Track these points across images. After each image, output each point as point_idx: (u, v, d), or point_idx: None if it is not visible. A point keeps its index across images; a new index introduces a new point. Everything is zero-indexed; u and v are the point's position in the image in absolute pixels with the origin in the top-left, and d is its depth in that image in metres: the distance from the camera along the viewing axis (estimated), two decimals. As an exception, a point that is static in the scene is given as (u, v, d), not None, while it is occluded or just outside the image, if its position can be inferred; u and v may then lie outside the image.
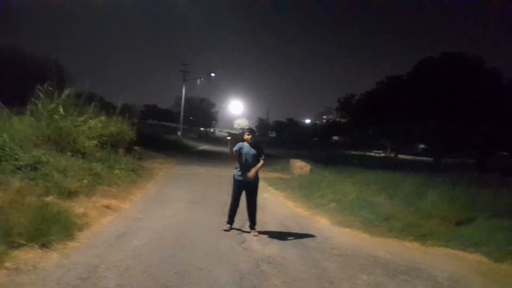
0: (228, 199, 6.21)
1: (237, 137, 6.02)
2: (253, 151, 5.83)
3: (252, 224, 5.89)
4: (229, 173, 6.04)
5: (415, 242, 6.08)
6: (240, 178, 5.85)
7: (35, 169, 6.51)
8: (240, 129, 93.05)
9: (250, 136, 5.88)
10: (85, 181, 7.31)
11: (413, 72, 30.53)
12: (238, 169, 5.90)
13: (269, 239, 5.57)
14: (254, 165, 5.80)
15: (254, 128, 6.33)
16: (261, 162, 5.87)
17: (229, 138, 5.70)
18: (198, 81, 50.99)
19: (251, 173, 5.75)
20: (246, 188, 5.88)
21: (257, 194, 5.98)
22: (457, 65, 27.11)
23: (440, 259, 5.37)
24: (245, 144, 5.89)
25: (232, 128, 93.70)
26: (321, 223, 7.07)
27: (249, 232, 5.81)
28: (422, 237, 6.25)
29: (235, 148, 5.81)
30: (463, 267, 5.03)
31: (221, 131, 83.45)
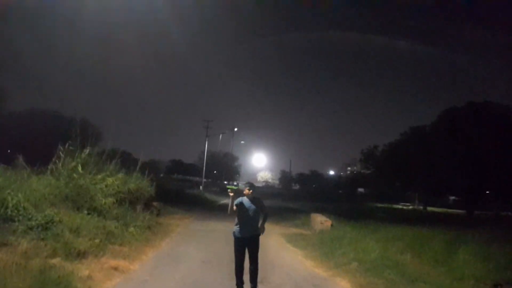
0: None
1: (239, 192, 5.85)
2: (253, 206, 5.63)
3: (253, 279, 5.55)
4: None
5: (446, 310, 5.46)
6: (240, 235, 5.62)
7: (46, 229, 6.49)
8: (263, 181, 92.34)
9: (251, 191, 5.71)
10: (97, 240, 7.21)
11: (437, 122, 30.08)
12: (237, 225, 5.67)
13: (282, 306, 5.15)
14: (254, 220, 5.62)
15: (252, 183, 6.13)
16: (265, 216, 5.78)
17: (231, 194, 5.54)
18: (220, 136, 52.18)
19: (262, 228, 5.65)
20: (247, 243, 5.62)
21: (258, 249, 5.66)
22: (483, 115, 26.54)
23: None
24: (245, 198, 5.71)
25: (256, 180, 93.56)
26: (341, 286, 6.55)
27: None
28: (454, 303, 5.62)
29: (235, 203, 5.62)
30: None
31: (244, 184, 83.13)
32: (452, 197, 42.25)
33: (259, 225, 5.68)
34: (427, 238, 10.18)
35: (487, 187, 25.86)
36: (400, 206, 40.22)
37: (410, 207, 39.70)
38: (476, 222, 17.73)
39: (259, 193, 5.99)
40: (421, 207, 38.49)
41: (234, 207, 5.60)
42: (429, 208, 36.42)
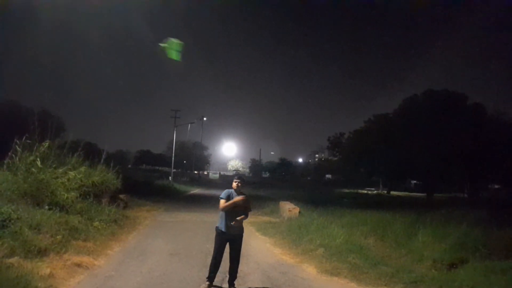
0: (212, 249, 5.69)
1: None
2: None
3: (232, 279, 5.50)
4: (217, 219, 5.72)
5: (405, 290, 5.76)
6: (224, 229, 5.43)
7: (3, 227, 6.18)
8: (234, 170, 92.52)
9: (238, 184, 5.54)
10: (58, 236, 6.96)
11: (399, 109, 31.15)
12: (222, 219, 5.50)
13: (249, 295, 5.22)
14: (240, 214, 5.45)
15: (242, 175, 6.06)
16: (247, 216, 5.57)
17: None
18: (189, 126, 51.52)
19: (236, 222, 5.37)
20: (230, 240, 5.48)
21: (241, 246, 5.58)
22: (441, 102, 27.76)
23: (431, 308, 5.05)
24: (233, 192, 5.55)
25: (226, 169, 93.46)
26: (308, 272, 6.72)
27: (229, 288, 5.45)
28: (413, 284, 5.94)
29: (224, 196, 5.48)
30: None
31: (215, 173, 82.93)
32: (413, 181, 44.20)
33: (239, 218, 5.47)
34: (389, 222, 10.61)
35: (444, 171, 27.20)
36: (365, 191, 41.60)
37: (375, 191, 41.16)
38: (435, 205, 18.67)
39: (229, 181, 5.92)
40: (385, 192, 40.04)
41: (225, 202, 5.47)
42: (392, 192, 37.95)
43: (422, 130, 26.82)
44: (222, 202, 5.46)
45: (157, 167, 71.88)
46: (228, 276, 5.56)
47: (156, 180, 37.73)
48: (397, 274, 6.39)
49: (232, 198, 5.48)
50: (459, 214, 12.03)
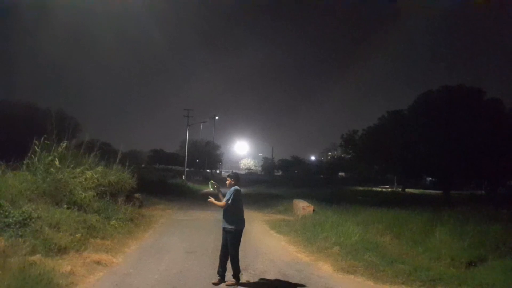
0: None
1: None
2: (228, 195, 5.67)
3: (233, 272, 5.56)
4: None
5: (423, 288, 5.69)
6: (222, 224, 5.76)
7: (24, 225, 6.35)
8: (246, 168, 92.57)
9: (228, 181, 5.82)
10: (78, 235, 7.11)
11: (413, 106, 30.67)
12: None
13: (265, 293, 5.24)
14: (228, 210, 5.63)
15: (235, 172, 6.18)
16: (223, 203, 5.65)
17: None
18: (201, 125, 51.84)
19: (210, 199, 5.71)
20: (226, 235, 5.67)
21: (233, 244, 5.59)
22: (456, 97, 27.23)
23: (451, 307, 4.98)
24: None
25: (238, 168, 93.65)
26: (323, 270, 6.70)
27: (244, 284, 5.50)
28: (431, 283, 5.86)
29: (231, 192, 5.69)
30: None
31: (227, 171, 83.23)
32: (429, 178, 43.53)
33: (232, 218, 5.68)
34: (405, 220, 10.50)
35: (461, 168, 26.71)
36: (379, 189, 41.16)
37: (389, 189, 40.69)
38: (452, 202, 18.36)
39: (243, 180, 5.99)
40: (400, 189, 39.53)
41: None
42: (407, 190, 37.46)
43: (438, 126, 26.38)
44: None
45: (170, 166, 72.45)
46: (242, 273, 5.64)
47: (170, 179, 38.10)
48: (414, 272, 6.32)
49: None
50: (477, 211, 11.84)
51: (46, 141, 9.44)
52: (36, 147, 9.18)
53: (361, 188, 38.75)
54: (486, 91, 28.50)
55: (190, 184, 38.24)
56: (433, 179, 40.81)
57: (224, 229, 5.67)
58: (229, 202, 5.60)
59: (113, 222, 9.24)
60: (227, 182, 5.79)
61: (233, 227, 5.60)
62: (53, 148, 9.76)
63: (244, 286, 5.46)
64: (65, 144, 9.85)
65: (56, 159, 9.17)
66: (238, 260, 5.60)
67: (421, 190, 36.97)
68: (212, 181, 5.81)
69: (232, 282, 5.43)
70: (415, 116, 29.08)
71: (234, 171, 6.55)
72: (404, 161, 29.44)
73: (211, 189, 5.65)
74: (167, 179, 36.23)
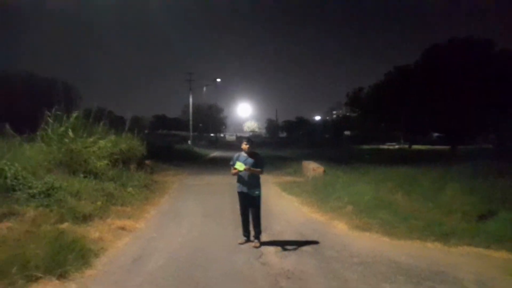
0: (241, 209, 6.09)
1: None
2: (250, 160, 5.70)
3: (256, 234, 5.77)
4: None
5: (437, 243, 5.89)
6: (239, 189, 5.81)
7: (48, 195, 6.55)
8: (250, 131, 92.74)
9: (248, 145, 5.78)
10: (99, 203, 7.35)
11: (420, 60, 30.02)
12: (237, 180, 5.84)
13: (286, 251, 5.47)
14: (251, 177, 5.67)
15: (251, 137, 6.22)
16: (259, 170, 5.71)
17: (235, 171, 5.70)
18: (204, 88, 51.41)
19: (244, 167, 5.55)
20: (246, 198, 5.78)
21: (258, 207, 5.79)
22: (465, 50, 26.55)
23: (465, 259, 5.19)
24: (242, 153, 5.80)
25: (242, 131, 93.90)
26: (339, 228, 6.93)
27: (266, 243, 5.74)
28: (444, 237, 6.06)
29: (233, 162, 5.76)
30: (489, 267, 4.85)
31: (231, 135, 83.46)
32: (435, 134, 43.49)
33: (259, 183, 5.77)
34: (415, 177, 10.64)
35: (470, 122, 26.57)
36: (386, 147, 41.38)
37: (396, 146, 40.91)
38: (460, 157, 18.51)
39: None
40: (406, 146, 39.69)
41: (233, 169, 5.73)
42: (414, 146, 37.62)
43: (446, 80, 25.95)
44: (232, 169, 5.77)
45: (174, 131, 72.72)
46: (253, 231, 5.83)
47: (176, 144, 38.40)
48: (428, 227, 6.52)
49: (239, 160, 5.71)
50: (486, 166, 11.95)
51: (58, 112, 9.46)
52: (48, 118, 9.22)
53: (367, 147, 38.96)
54: (496, 42, 27.70)
55: (196, 148, 38.57)
56: (440, 135, 40.79)
57: (247, 194, 5.72)
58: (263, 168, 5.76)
59: (129, 189, 9.48)
60: (244, 146, 5.80)
61: (259, 191, 5.74)
62: (64, 118, 9.82)
63: (266, 245, 5.68)
64: (76, 113, 9.89)
65: (70, 130, 9.24)
66: (261, 223, 5.80)
67: (428, 146, 37.10)
68: (240, 164, 5.70)
69: (258, 244, 5.64)
70: (422, 71, 28.55)
71: (238, 134, 6.59)
72: (411, 116, 29.25)
73: (240, 169, 5.62)
74: (173, 144, 36.51)
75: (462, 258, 5.25)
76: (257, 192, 5.73)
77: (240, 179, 5.77)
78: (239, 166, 5.59)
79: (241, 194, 5.84)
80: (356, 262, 4.99)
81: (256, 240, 5.72)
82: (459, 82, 25.20)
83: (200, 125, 68.03)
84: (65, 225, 5.52)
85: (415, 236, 6.18)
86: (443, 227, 6.51)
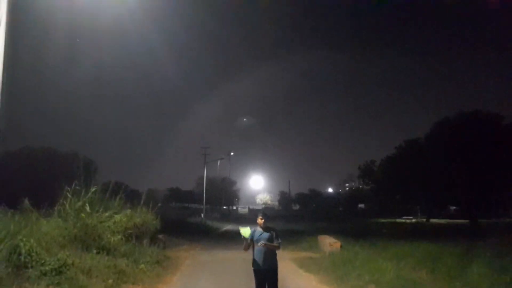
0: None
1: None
2: (265, 235, 5.57)
3: None
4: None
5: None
6: (255, 266, 5.57)
7: (60, 273, 6.42)
8: (263, 204, 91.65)
9: (263, 220, 5.66)
10: (110, 281, 7.16)
11: (430, 134, 30.46)
12: (253, 257, 5.63)
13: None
14: (268, 251, 5.49)
15: (266, 211, 6.15)
16: (276, 245, 5.56)
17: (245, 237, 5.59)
18: (219, 162, 52.22)
19: (263, 243, 5.40)
20: (264, 276, 5.51)
21: (276, 281, 5.52)
22: (474, 124, 26.94)
23: None
24: (258, 228, 5.67)
25: (255, 203, 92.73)
26: (362, 311, 6.48)
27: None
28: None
29: (251, 233, 5.63)
30: None
31: (244, 207, 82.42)
32: (453, 207, 42.24)
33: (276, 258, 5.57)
34: (438, 253, 10.18)
35: (487, 195, 25.98)
36: (403, 220, 40.05)
37: (413, 220, 39.57)
38: (482, 232, 17.72)
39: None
40: (424, 219, 38.40)
41: (248, 242, 5.61)
42: (432, 220, 36.34)
43: (456, 155, 25.98)
44: (244, 243, 5.64)
45: (187, 204, 72.38)
46: None
47: (188, 217, 38.01)
48: (459, 310, 6.05)
49: (255, 236, 5.58)
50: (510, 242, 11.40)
51: (77, 187, 9.66)
52: (67, 193, 9.40)
53: (383, 220, 37.79)
54: (504, 116, 28.20)
55: (209, 222, 37.99)
56: (457, 208, 39.64)
57: (264, 270, 5.50)
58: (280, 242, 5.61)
59: (141, 266, 9.23)
60: (260, 221, 5.70)
61: (276, 266, 5.52)
62: (82, 193, 9.99)
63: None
64: (94, 189, 10.07)
65: (87, 204, 9.35)
66: None
67: (446, 220, 35.81)
68: (244, 231, 5.67)
69: None
70: (433, 144, 28.79)
71: (251, 207, 6.53)
72: (425, 191, 28.83)
73: (244, 236, 5.55)
74: (186, 218, 36.17)
75: None
76: (274, 266, 5.52)
77: (256, 255, 5.57)
78: (244, 232, 5.50)
79: (257, 272, 5.59)
80: None
81: None
82: (470, 156, 25.20)
83: (214, 198, 67.75)
84: (75, 306, 5.30)
85: (446, 320, 5.72)
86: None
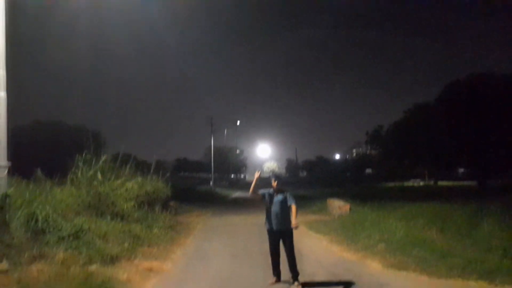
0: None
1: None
2: (279, 197, 5.62)
3: (293, 275, 5.51)
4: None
5: (482, 281, 5.50)
6: (268, 227, 5.67)
7: (77, 237, 6.60)
8: (270, 171, 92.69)
9: (276, 182, 5.71)
10: (126, 244, 7.34)
11: (440, 97, 29.84)
12: (266, 217, 5.72)
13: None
14: (282, 213, 5.55)
15: (279, 173, 6.16)
16: (293, 207, 5.59)
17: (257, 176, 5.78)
18: (225, 131, 52.27)
19: (294, 223, 5.47)
20: (278, 236, 5.61)
21: (291, 242, 5.61)
22: (485, 85, 26.30)
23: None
24: (271, 190, 5.73)
25: (262, 172, 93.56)
26: (373, 268, 6.61)
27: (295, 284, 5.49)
28: (489, 275, 5.66)
29: (263, 192, 5.72)
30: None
31: (251, 175, 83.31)
32: (461, 169, 42.19)
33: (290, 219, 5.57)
34: (447, 213, 10.22)
35: (495, 157, 25.78)
36: (411, 183, 40.24)
37: (421, 183, 39.75)
38: (491, 193, 17.75)
39: (267, 183, 6.01)
40: (432, 182, 38.52)
41: (260, 193, 5.73)
42: (440, 183, 36.45)
43: (467, 117, 25.56)
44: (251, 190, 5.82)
45: (195, 174, 73.37)
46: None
47: (198, 186, 38.60)
48: (469, 265, 6.13)
49: (270, 195, 5.68)
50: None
51: (87, 156, 9.76)
52: (79, 162, 9.51)
53: (391, 184, 38.02)
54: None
55: (218, 189, 38.60)
56: (466, 170, 39.59)
57: (279, 231, 5.56)
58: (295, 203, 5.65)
59: (155, 230, 9.47)
60: (273, 183, 5.74)
61: (290, 226, 5.57)
62: (93, 162, 10.11)
63: (299, 288, 5.43)
64: (105, 157, 10.16)
65: (99, 173, 9.46)
66: (296, 263, 5.57)
67: (455, 182, 35.87)
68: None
69: (299, 286, 5.39)
70: (443, 108, 28.29)
71: (275, 173, 6.56)
72: (435, 153, 28.65)
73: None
74: (195, 186, 36.74)
75: (512, 298, 4.87)
76: (290, 227, 5.55)
77: (270, 216, 5.63)
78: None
79: (271, 232, 5.67)
80: (396, 303, 4.69)
81: (296, 282, 5.46)
82: (481, 118, 24.78)
83: (221, 166, 68.43)
84: (93, 267, 5.49)
85: (455, 275, 5.81)
86: (485, 264, 6.11)
